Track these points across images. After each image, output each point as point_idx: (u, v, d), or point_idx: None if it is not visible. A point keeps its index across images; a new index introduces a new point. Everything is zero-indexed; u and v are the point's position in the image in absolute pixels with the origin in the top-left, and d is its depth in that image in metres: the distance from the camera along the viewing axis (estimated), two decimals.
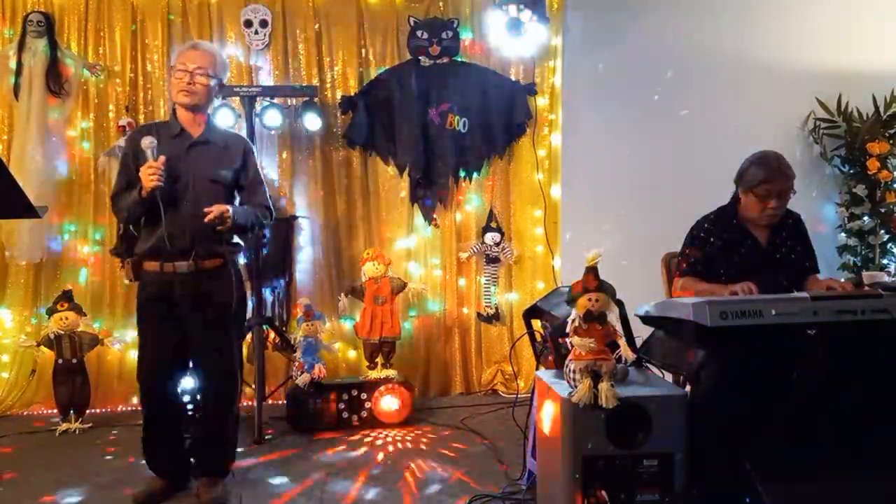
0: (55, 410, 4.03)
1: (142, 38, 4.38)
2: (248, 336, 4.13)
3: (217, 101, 3.16)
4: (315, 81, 4.48)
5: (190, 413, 3.44)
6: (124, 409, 4.34)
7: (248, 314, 4.17)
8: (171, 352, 2.99)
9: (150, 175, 2.77)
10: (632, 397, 2.36)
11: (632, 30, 4.59)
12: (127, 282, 3.06)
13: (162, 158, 2.81)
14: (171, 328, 2.96)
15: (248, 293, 4.25)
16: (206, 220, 2.83)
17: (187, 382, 3.37)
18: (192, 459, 3.14)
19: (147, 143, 2.82)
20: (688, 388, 2.63)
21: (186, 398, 3.44)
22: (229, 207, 2.88)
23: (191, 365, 3.11)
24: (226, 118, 4.18)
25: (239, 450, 3.57)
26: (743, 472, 2.32)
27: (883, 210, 4.60)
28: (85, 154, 4.38)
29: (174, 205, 2.88)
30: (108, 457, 3.55)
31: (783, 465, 2.32)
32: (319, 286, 4.57)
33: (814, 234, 3.16)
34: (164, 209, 2.81)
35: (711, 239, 3.00)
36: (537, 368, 3.11)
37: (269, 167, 4.52)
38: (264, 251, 4.32)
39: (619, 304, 2.55)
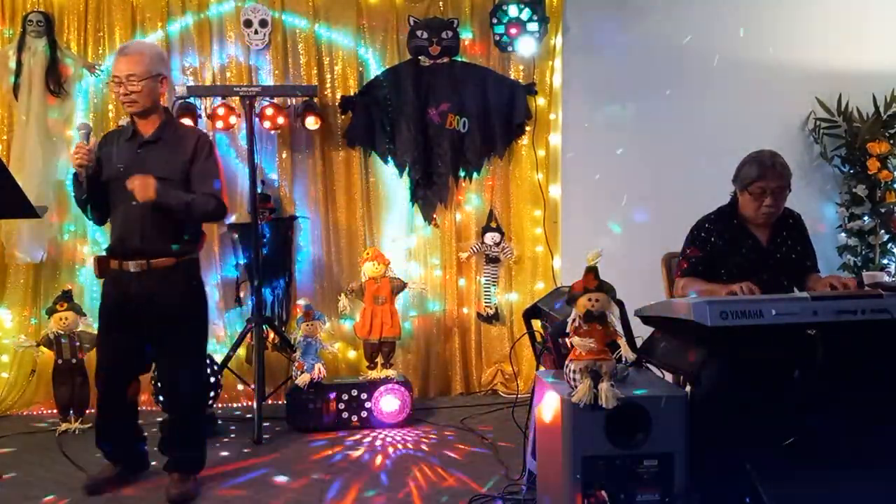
0: (55, 410, 4.03)
1: (141, 38, 4.38)
2: (248, 336, 4.14)
3: (173, 95, 3.20)
4: (315, 81, 4.48)
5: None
6: None
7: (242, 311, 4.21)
8: (127, 352, 3.03)
9: (75, 155, 2.89)
10: (632, 397, 2.36)
11: (632, 30, 4.58)
12: (97, 277, 3.17)
13: (94, 141, 2.96)
14: (127, 328, 3.00)
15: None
16: (128, 186, 2.86)
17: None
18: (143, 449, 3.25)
19: (79, 125, 3.04)
20: (688, 388, 2.63)
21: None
22: (153, 182, 2.86)
23: (154, 365, 3.19)
24: (225, 118, 4.21)
25: (246, 454, 3.60)
26: (743, 472, 2.32)
27: (883, 210, 4.59)
28: None
29: (126, 205, 2.95)
30: None
31: (783, 465, 2.32)
32: (319, 286, 4.57)
33: (814, 234, 3.15)
34: (87, 191, 2.93)
35: (712, 239, 3.00)
36: (537, 368, 3.11)
37: (268, 167, 4.52)
38: (264, 251, 4.32)
39: (619, 304, 2.55)
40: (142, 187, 2.83)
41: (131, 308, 2.98)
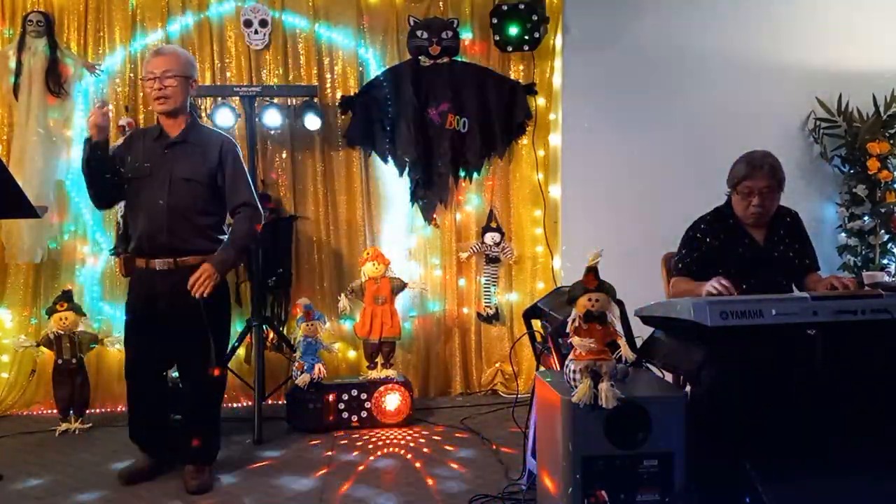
0: (55, 410, 4.03)
1: (141, 38, 4.39)
2: (248, 336, 4.13)
3: (192, 99, 3.26)
4: (315, 81, 4.48)
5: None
6: (124, 409, 4.31)
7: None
8: (154, 347, 3.11)
9: (93, 116, 2.93)
10: (632, 397, 2.36)
11: (632, 30, 4.59)
12: (122, 276, 3.24)
13: (107, 106, 3.02)
14: (154, 324, 3.08)
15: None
16: (192, 293, 2.94)
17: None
18: (178, 440, 3.27)
19: (98, 101, 3.12)
20: (688, 388, 2.63)
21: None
22: (209, 267, 2.97)
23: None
24: (225, 118, 4.20)
25: (246, 454, 3.60)
26: (743, 472, 2.32)
27: (883, 210, 4.59)
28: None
29: (153, 203, 3.03)
30: (108, 457, 3.54)
31: (783, 465, 2.32)
32: (319, 286, 4.57)
33: (814, 235, 3.15)
34: (95, 160, 2.95)
35: (707, 239, 2.99)
36: (537, 368, 3.11)
37: (268, 167, 4.52)
38: (264, 251, 4.31)
39: (619, 304, 2.55)
40: (203, 282, 2.94)
41: (157, 305, 3.05)
